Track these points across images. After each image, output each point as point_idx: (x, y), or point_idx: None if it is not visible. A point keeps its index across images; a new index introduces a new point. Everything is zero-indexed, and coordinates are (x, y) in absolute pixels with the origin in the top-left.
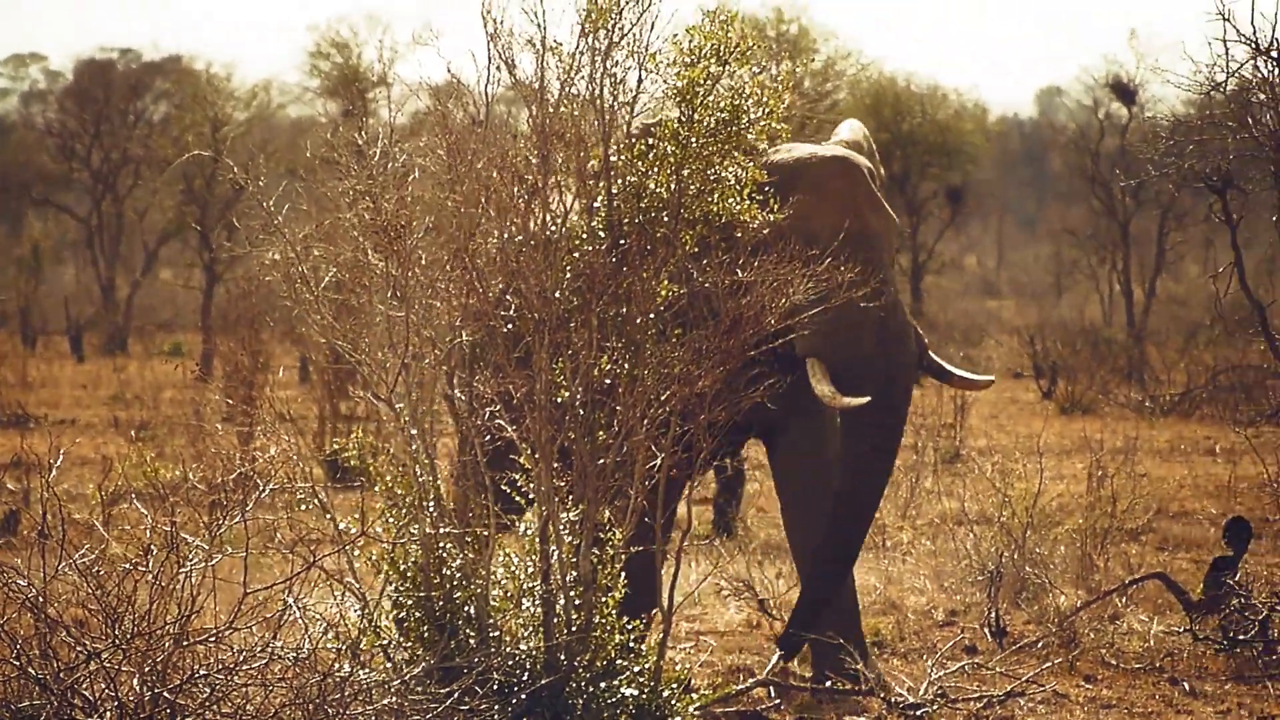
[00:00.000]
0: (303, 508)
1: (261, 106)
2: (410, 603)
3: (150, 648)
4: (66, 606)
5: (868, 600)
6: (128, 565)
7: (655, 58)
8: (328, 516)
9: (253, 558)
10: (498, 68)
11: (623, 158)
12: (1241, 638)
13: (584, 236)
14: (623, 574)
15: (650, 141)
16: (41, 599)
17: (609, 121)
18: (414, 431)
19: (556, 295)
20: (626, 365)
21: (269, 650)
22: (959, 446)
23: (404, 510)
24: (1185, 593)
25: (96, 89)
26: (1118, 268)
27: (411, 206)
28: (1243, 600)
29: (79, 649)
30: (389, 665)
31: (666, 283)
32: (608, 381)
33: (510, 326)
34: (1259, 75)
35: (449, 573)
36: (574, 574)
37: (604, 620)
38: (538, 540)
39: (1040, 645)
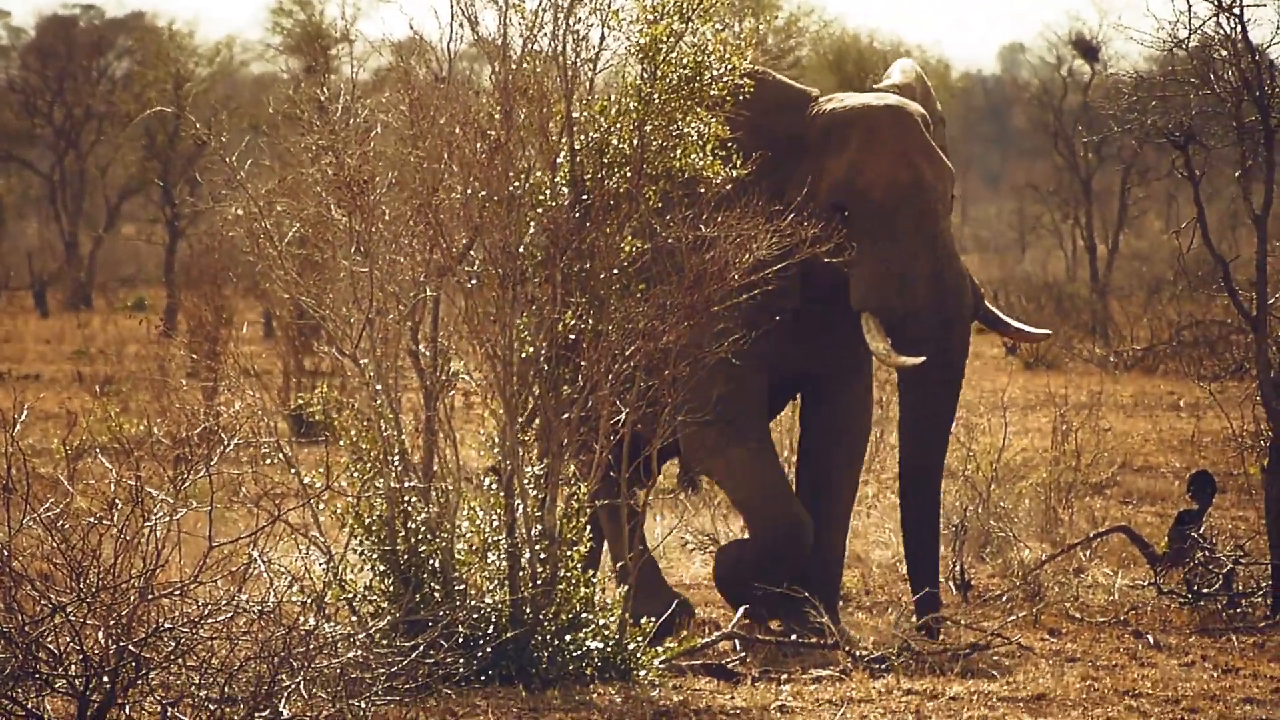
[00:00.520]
0: (267, 462)
1: (224, 63)
2: (375, 556)
3: (115, 601)
4: (31, 560)
5: None
6: (92, 519)
7: (618, 14)
8: (292, 471)
9: (218, 512)
10: (460, 24)
11: (585, 114)
12: (1205, 591)
13: (547, 192)
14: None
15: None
16: (6, 553)
17: (571, 78)
18: (378, 386)
19: (520, 250)
20: (591, 320)
21: (234, 604)
22: None
23: (368, 464)
24: (1149, 546)
25: (59, 45)
26: (1081, 223)
27: (374, 162)
28: (1207, 554)
29: (44, 603)
30: (354, 619)
31: (630, 238)
32: (572, 337)
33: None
34: (1221, 32)
35: (414, 526)
36: (539, 528)
37: (569, 574)
38: (502, 494)
39: (1005, 599)
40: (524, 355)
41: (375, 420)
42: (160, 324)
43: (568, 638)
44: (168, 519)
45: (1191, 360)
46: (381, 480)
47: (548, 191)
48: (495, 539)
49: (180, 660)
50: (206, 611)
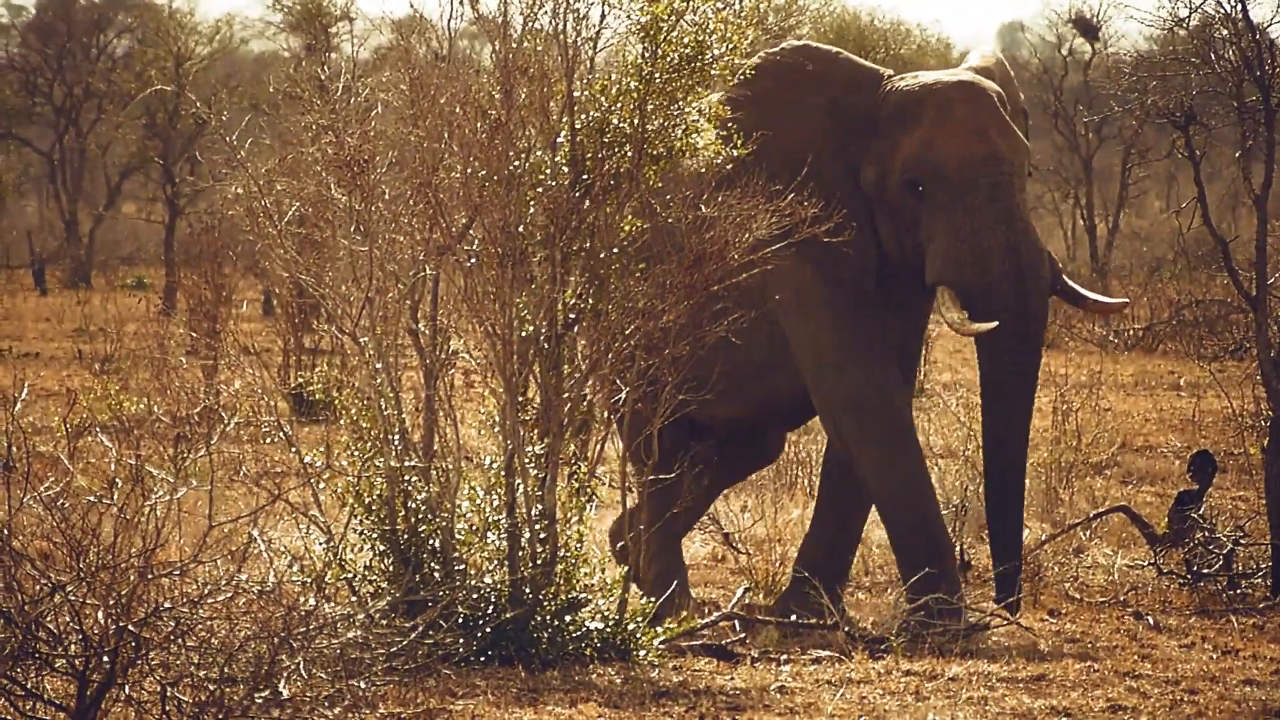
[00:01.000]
0: (267, 441)
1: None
2: (375, 536)
3: (115, 581)
4: (31, 539)
5: None
6: (93, 498)
7: None
8: (292, 450)
9: (218, 491)
10: (460, 2)
11: (586, 93)
12: (1205, 572)
13: (548, 171)
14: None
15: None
16: (6, 532)
17: (572, 57)
18: (378, 365)
19: (520, 230)
20: (590, 300)
21: (234, 583)
22: (924, 381)
23: (369, 443)
24: (1149, 527)
25: (59, 23)
26: (1081, 203)
27: (375, 141)
28: (1207, 534)
29: (43, 582)
30: (354, 599)
31: (630, 217)
32: (572, 316)
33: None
34: (1222, 11)
35: (414, 506)
36: (539, 507)
37: (569, 554)
38: (503, 473)
39: None
40: (524, 334)
41: (375, 399)
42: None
43: (567, 618)
44: (168, 498)
45: (1192, 340)
46: (381, 459)
47: (548, 171)
48: (495, 519)
49: (180, 640)
50: (206, 591)
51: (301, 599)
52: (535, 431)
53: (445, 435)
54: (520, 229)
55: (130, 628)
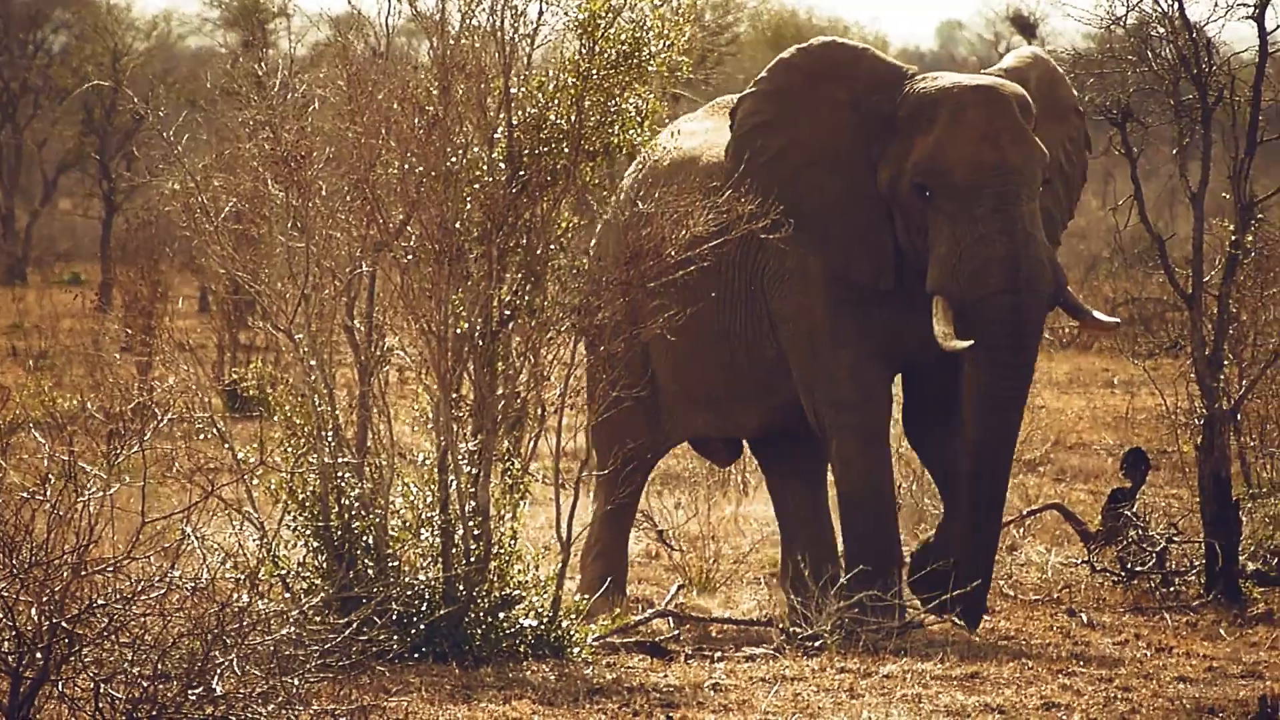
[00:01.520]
0: (201, 437)
1: (162, 37)
2: (309, 533)
3: (48, 577)
4: None
5: (766, 531)
6: (25, 494)
7: None
8: (226, 446)
9: (151, 487)
10: None
11: (523, 89)
12: (1139, 569)
13: (485, 168)
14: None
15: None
16: None
17: (510, 53)
18: (313, 362)
19: (457, 226)
20: (526, 296)
21: (167, 580)
22: None
23: (302, 440)
24: (1083, 524)
25: None
26: None
27: (311, 137)
28: (1140, 532)
29: None
30: (287, 595)
31: (567, 214)
32: (507, 313)
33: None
34: (1159, 9)
35: (347, 503)
36: (473, 504)
37: (503, 551)
38: (436, 470)
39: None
40: (459, 331)
41: (309, 395)
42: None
43: (501, 615)
44: (101, 494)
45: (1127, 337)
46: (315, 456)
47: (485, 167)
48: (429, 516)
49: (113, 637)
50: (140, 588)
51: (235, 596)
52: (469, 428)
53: (379, 432)
54: (457, 225)
55: (63, 624)
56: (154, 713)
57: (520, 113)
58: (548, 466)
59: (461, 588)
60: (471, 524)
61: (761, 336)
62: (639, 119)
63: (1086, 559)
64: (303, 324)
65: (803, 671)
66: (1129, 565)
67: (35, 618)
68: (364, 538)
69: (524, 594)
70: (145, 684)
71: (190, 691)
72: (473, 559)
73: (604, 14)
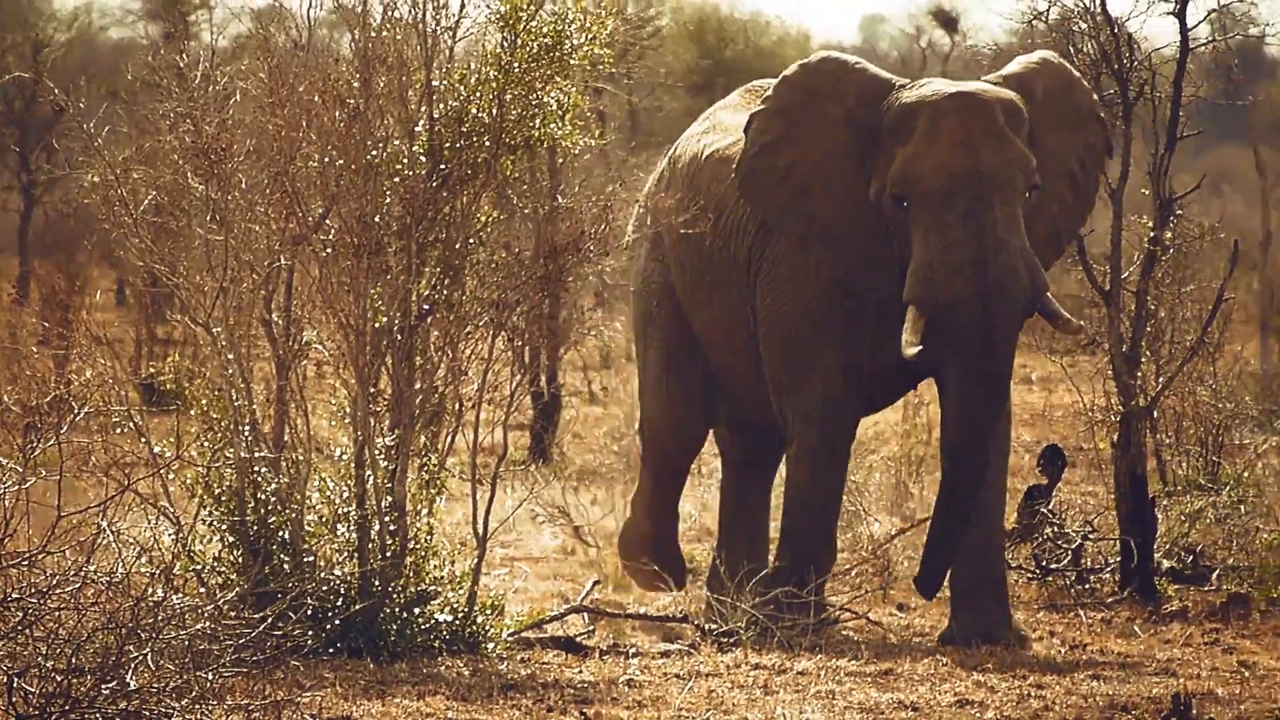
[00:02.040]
0: (118, 431)
1: (83, 28)
2: (225, 527)
3: None
4: None
5: (684, 526)
6: None
7: None
8: (143, 440)
9: (67, 481)
10: None
11: (444, 83)
12: (1054, 566)
13: (405, 161)
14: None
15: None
16: None
17: (431, 46)
18: (230, 356)
19: (376, 220)
20: (445, 291)
21: (82, 574)
22: None
23: (219, 434)
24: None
25: None
26: None
27: (232, 130)
28: (1056, 529)
29: None
30: (203, 590)
31: (486, 208)
32: (425, 307)
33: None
34: (1080, 4)
35: (264, 497)
36: (389, 499)
37: (419, 546)
38: (353, 465)
39: (854, 573)
40: (377, 325)
41: (227, 390)
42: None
43: (416, 611)
44: (16, 488)
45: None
46: (232, 450)
47: (405, 160)
48: (345, 511)
49: (27, 631)
50: (54, 582)
51: (150, 590)
52: (386, 423)
53: (296, 426)
54: (377, 219)
55: None
56: (67, 707)
57: (441, 106)
58: (465, 462)
59: (377, 583)
60: (388, 519)
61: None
62: (561, 112)
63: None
64: (221, 318)
65: (717, 668)
66: (1044, 562)
67: None
68: (280, 532)
69: (440, 589)
70: (59, 678)
71: (104, 686)
72: (389, 554)
73: (526, 7)
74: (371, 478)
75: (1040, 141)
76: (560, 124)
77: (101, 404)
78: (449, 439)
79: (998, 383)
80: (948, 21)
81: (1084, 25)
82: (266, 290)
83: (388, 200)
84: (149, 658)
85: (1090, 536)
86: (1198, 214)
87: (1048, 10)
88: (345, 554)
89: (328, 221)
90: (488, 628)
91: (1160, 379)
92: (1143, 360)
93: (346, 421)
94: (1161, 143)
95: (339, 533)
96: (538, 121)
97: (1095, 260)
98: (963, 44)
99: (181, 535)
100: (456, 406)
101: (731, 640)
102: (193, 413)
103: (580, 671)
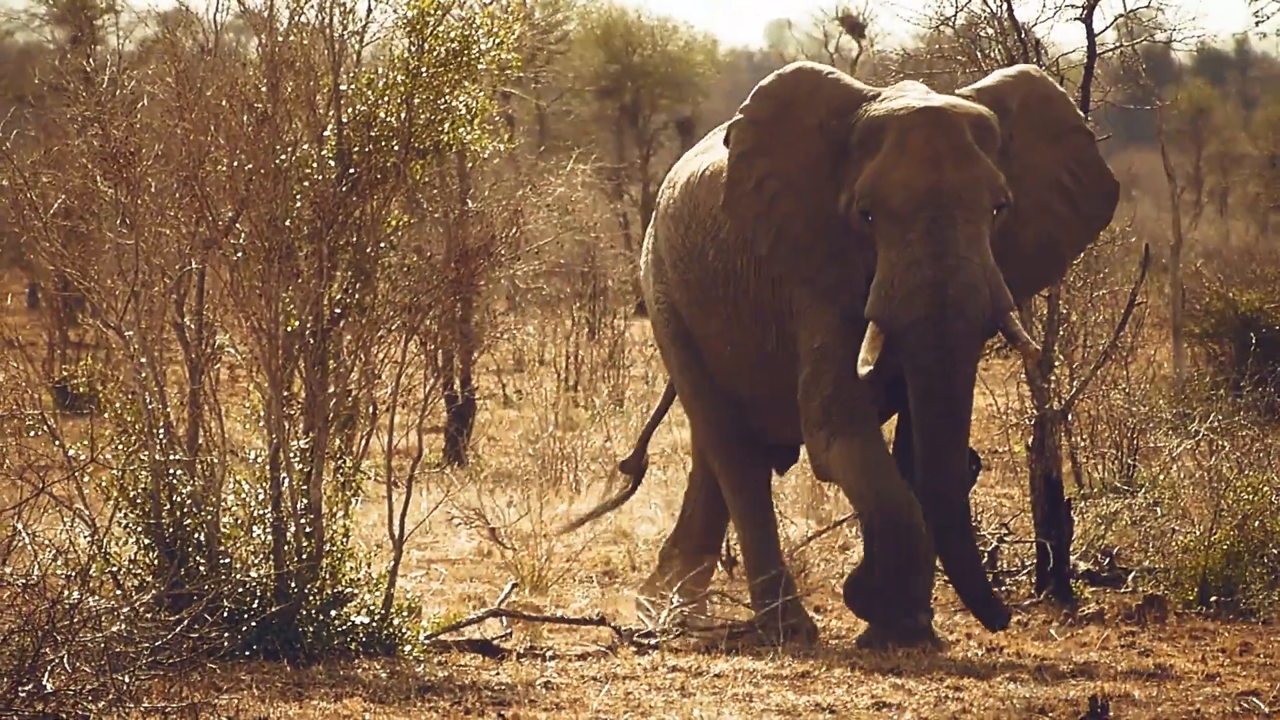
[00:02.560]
0: (31, 434)
1: None
2: (140, 530)
3: None
4: None
5: (599, 529)
6: None
7: None
8: (56, 443)
9: None
10: None
11: (352, 87)
12: None
13: (314, 165)
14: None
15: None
16: None
17: (339, 50)
18: (143, 359)
19: (286, 224)
20: (357, 294)
21: None
22: None
23: (133, 437)
24: None
25: None
26: None
27: (140, 134)
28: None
29: None
30: (119, 592)
31: (396, 212)
32: (337, 310)
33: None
34: (988, 10)
35: (179, 500)
36: (304, 502)
37: (335, 548)
38: (268, 468)
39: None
40: (289, 329)
41: (140, 393)
42: None
43: (333, 613)
44: None
45: None
46: (146, 453)
47: (314, 164)
48: (260, 513)
49: None
50: None
51: (66, 593)
52: (301, 426)
53: (210, 429)
54: (287, 223)
55: None
56: None
57: (350, 110)
58: (380, 464)
59: (293, 585)
60: (303, 521)
61: (791, 359)
62: (469, 117)
63: None
64: (133, 321)
65: (634, 670)
66: None
67: None
68: (196, 535)
69: (356, 592)
70: None
71: (20, 689)
72: (304, 556)
73: (433, 11)
74: (287, 480)
75: (1017, 156)
76: (469, 128)
77: (15, 407)
78: (364, 442)
79: (958, 403)
80: (855, 27)
81: (991, 30)
82: (178, 294)
83: (298, 204)
84: (65, 660)
85: (1006, 539)
86: None
87: (955, 15)
88: (261, 556)
89: (238, 225)
90: (405, 630)
91: (1074, 382)
92: (1056, 364)
93: (261, 424)
94: None
95: (255, 535)
96: (446, 126)
97: None
98: (870, 49)
99: (97, 538)
100: (371, 410)
101: (650, 642)
102: (106, 416)
103: (497, 674)
